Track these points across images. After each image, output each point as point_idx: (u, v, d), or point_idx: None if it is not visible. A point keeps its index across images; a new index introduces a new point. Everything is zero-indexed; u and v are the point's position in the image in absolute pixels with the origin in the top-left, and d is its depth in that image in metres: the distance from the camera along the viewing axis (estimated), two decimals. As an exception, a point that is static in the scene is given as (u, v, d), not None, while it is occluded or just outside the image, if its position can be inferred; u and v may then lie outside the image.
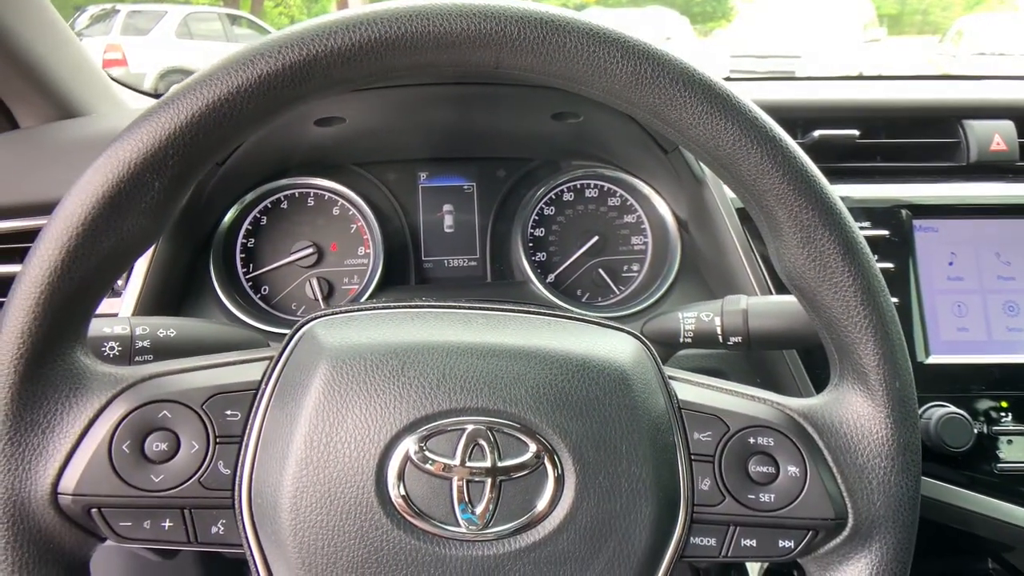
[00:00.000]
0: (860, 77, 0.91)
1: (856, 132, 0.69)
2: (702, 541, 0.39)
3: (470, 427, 0.36)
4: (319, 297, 0.74)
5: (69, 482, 0.36)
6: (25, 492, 0.35)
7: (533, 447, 0.36)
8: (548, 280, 0.77)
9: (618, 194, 0.79)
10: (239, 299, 0.71)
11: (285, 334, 0.66)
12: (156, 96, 0.93)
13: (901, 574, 0.38)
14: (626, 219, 0.79)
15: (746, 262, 0.64)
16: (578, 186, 0.79)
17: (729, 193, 0.66)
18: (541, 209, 0.78)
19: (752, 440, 0.39)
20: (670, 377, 0.41)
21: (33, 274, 0.35)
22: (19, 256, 0.63)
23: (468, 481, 0.36)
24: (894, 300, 0.39)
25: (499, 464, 0.36)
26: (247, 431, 0.38)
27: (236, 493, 0.37)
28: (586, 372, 0.38)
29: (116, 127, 0.74)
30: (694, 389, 0.41)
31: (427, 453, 0.36)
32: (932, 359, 0.65)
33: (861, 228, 0.39)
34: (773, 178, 0.36)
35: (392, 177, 0.78)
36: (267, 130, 0.61)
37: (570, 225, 0.78)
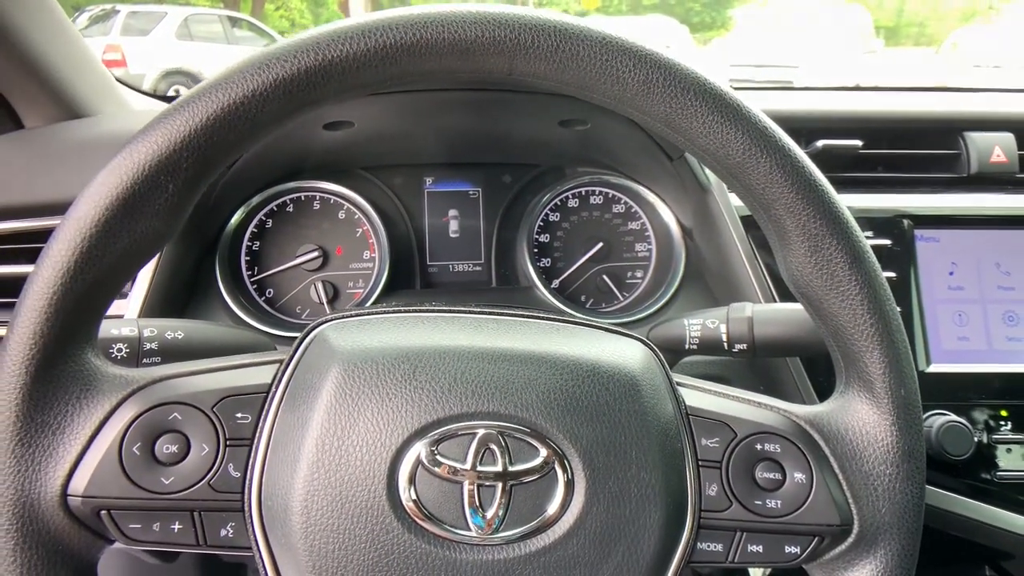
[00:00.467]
0: (858, 88, 0.92)
1: (859, 143, 0.70)
2: (709, 547, 0.39)
3: (481, 431, 0.36)
4: (324, 301, 0.74)
5: (79, 484, 0.36)
6: (35, 494, 0.35)
7: (544, 452, 0.36)
8: (552, 286, 0.77)
9: (622, 201, 0.79)
10: (244, 302, 0.71)
11: (290, 337, 0.68)
12: (160, 97, 0.93)
13: None
14: (630, 226, 0.79)
15: (750, 270, 0.65)
16: (583, 193, 0.79)
17: (734, 201, 0.67)
18: (546, 215, 0.79)
19: (759, 446, 0.39)
20: (678, 383, 0.41)
21: (45, 275, 0.35)
22: (26, 256, 0.63)
23: (479, 485, 0.36)
24: None
25: (510, 468, 0.36)
26: (258, 434, 0.38)
27: (246, 496, 0.37)
28: (596, 377, 0.38)
29: (122, 128, 0.75)
30: (702, 395, 0.41)
31: (438, 457, 0.36)
32: (933, 368, 0.65)
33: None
34: (782, 187, 0.36)
35: (398, 181, 0.79)
36: (267, 140, 0.62)
37: (575, 231, 0.79)
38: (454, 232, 0.79)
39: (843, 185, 0.69)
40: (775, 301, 0.63)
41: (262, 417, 0.38)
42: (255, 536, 0.37)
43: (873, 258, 0.38)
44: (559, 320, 0.43)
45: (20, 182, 0.65)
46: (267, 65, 0.34)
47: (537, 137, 0.74)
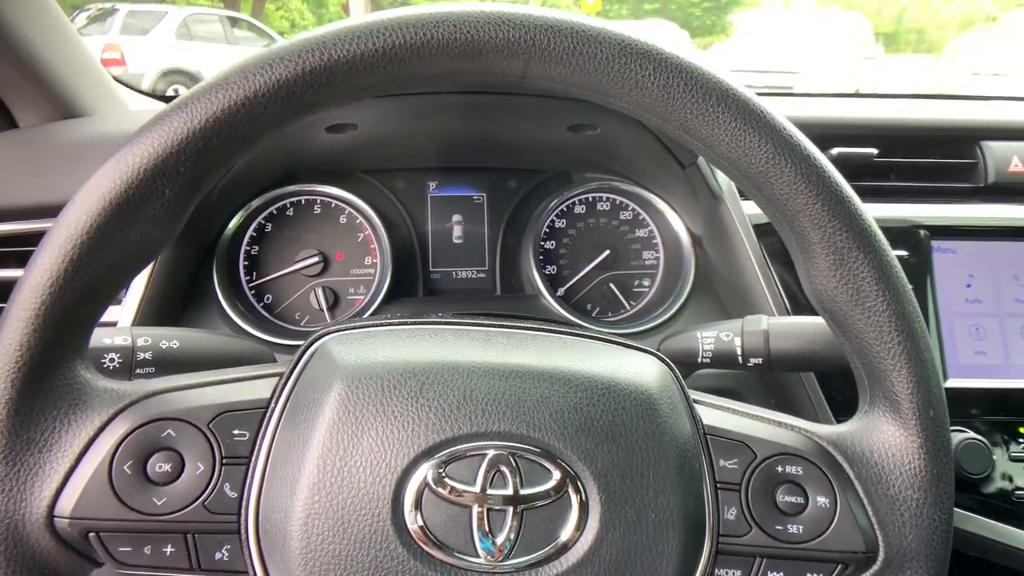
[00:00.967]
0: (859, 95, 0.90)
1: (874, 151, 0.68)
2: (728, 573, 0.37)
3: (491, 452, 0.34)
4: (324, 307, 0.73)
5: (66, 505, 0.34)
6: (20, 515, 0.33)
7: (557, 474, 0.35)
8: (558, 294, 0.75)
9: (630, 208, 0.78)
10: (242, 308, 0.69)
11: (290, 346, 0.66)
12: (159, 97, 0.91)
13: None
14: (638, 233, 0.78)
15: (763, 281, 0.63)
16: (590, 199, 0.78)
17: (747, 210, 0.65)
18: (552, 222, 0.77)
19: (780, 468, 0.38)
20: (695, 400, 0.39)
21: (33, 283, 0.33)
22: (17, 260, 0.61)
23: (488, 509, 0.34)
24: None
25: (521, 492, 0.34)
26: (255, 452, 0.36)
27: (243, 518, 0.35)
28: (611, 396, 0.37)
29: (118, 128, 0.73)
30: (719, 414, 0.39)
31: (446, 479, 0.34)
32: (950, 383, 0.64)
33: None
34: (806, 198, 0.35)
35: (401, 186, 0.77)
36: (274, 140, 0.60)
37: (581, 238, 0.77)
38: (458, 238, 0.78)
39: (858, 194, 0.67)
40: (788, 314, 0.62)
41: (260, 434, 0.36)
42: (251, 560, 0.35)
43: (901, 273, 0.36)
44: (571, 333, 0.41)
45: (12, 183, 0.64)
46: (269, 65, 0.32)
47: (544, 142, 0.73)
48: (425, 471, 0.34)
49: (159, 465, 0.35)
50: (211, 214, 0.68)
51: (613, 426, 0.36)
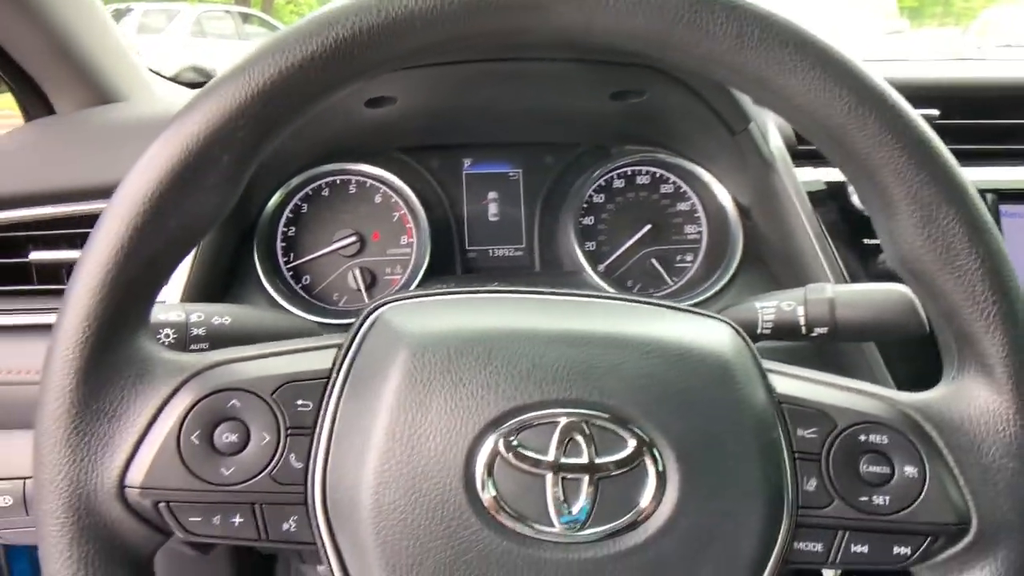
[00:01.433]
0: (895, 60, 0.86)
1: (936, 112, 0.65)
2: (808, 547, 0.36)
3: (564, 420, 0.33)
4: (361, 287, 0.72)
5: (137, 475, 0.34)
6: (91, 485, 0.33)
7: (632, 443, 0.33)
8: (599, 270, 0.74)
9: (671, 181, 0.76)
10: (283, 288, 0.69)
11: (331, 325, 0.65)
12: (188, 85, 0.91)
13: None
14: (679, 207, 0.76)
15: (820, 251, 0.61)
16: (629, 172, 0.76)
17: (801, 177, 0.63)
18: (590, 197, 0.76)
19: (863, 438, 0.36)
20: (767, 370, 0.38)
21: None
22: (66, 242, 0.61)
23: (563, 478, 0.33)
24: None
25: (597, 460, 0.33)
26: (320, 422, 0.35)
27: (309, 488, 0.35)
28: (686, 362, 0.35)
29: (156, 112, 0.73)
30: (795, 382, 0.38)
31: (518, 448, 0.33)
32: None
33: None
34: (891, 150, 0.33)
35: (436, 164, 0.76)
36: (315, 112, 0.59)
37: (620, 213, 0.75)
38: (494, 215, 0.77)
39: None
40: (847, 282, 0.60)
41: (324, 404, 0.35)
42: (319, 531, 0.35)
43: (995, 229, 0.34)
44: (639, 301, 0.40)
45: (54, 167, 0.64)
46: (327, 26, 0.31)
47: (585, 112, 0.71)
48: (496, 439, 0.33)
49: (225, 435, 0.35)
50: (250, 194, 0.68)
51: (689, 393, 0.35)
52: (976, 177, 0.64)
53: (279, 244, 0.72)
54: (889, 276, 0.49)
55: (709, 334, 0.37)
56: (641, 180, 0.76)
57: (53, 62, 0.70)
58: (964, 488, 0.35)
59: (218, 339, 0.47)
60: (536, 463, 0.33)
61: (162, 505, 0.34)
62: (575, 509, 0.33)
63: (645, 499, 0.33)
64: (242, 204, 0.67)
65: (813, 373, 0.39)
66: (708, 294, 0.69)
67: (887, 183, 0.34)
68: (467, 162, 0.77)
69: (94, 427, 0.33)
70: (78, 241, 0.60)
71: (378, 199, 0.74)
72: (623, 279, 0.75)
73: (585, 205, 0.75)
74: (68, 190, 0.61)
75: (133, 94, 0.77)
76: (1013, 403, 0.35)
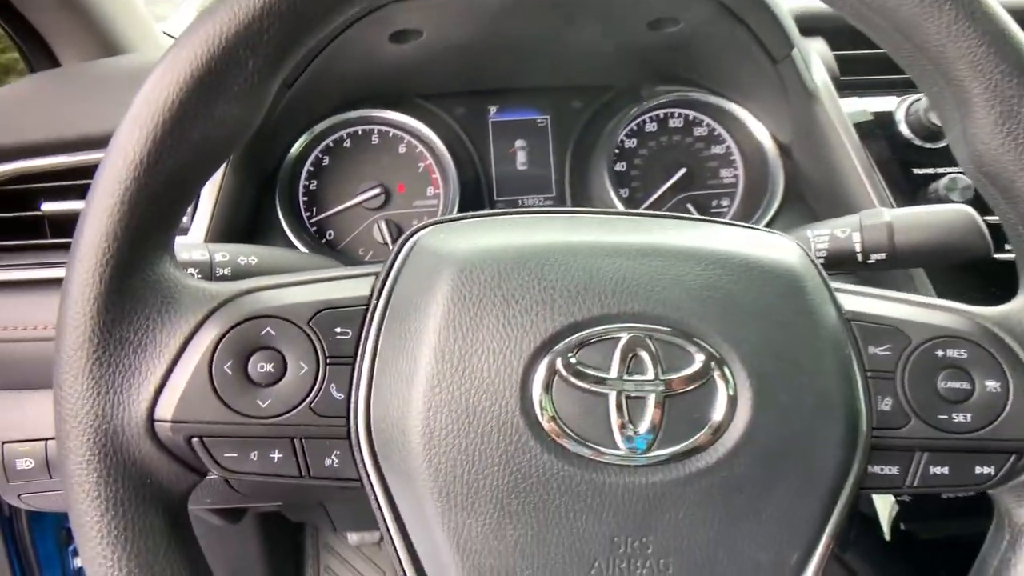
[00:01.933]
0: None
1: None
2: (883, 470, 0.33)
3: (626, 335, 0.31)
4: (388, 241, 0.70)
5: (167, 408, 0.31)
6: (118, 419, 0.31)
7: (700, 357, 0.31)
8: None
9: (705, 123, 0.72)
10: (309, 243, 0.67)
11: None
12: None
13: None
14: (714, 150, 0.72)
15: (868, 184, 0.57)
16: (661, 116, 0.72)
17: (847, 108, 0.59)
18: (622, 142, 0.72)
19: (940, 353, 0.33)
20: (835, 287, 0.35)
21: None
22: (76, 193, 0.59)
23: (627, 397, 0.30)
24: None
25: (663, 376, 0.30)
26: (360, 351, 0.33)
27: (352, 420, 0.32)
28: (753, 273, 0.32)
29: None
30: (863, 300, 0.35)
31: (578, 366, 0.30)
32: None
33: None
34: (968, 41, 0.30)
35: (460, 111, 0.73)
36: (337, 49, 0.55)
37: (653, 158, 0.72)
38: (522, 164, 0.73)
39: None
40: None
41: (364, 332, 0.33)
42: (363, 464, 0.32)
43: None
44: (695, 218, 0.37)
45: (60, 117, 0.61)
46: None
47: (618, 47, 0.67)
48: (554, 357, 0.31)
49: (260, 365, 0.32)
50: (271, 140, 0.65)
51: (758, 305, 0.32)
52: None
53: (301, 199, 0.70)
54: None
55: (774, 247, 0.34)
56: (674, 123, 0.72)
57: (59, 12, 0.68)
58: None
59: (244, 279, 0.45)
60: (598, 381, 0.30)
61: (195, 440, 0.32)
62: (641, 429, 0.30)
63: (715, 418, 0.30)
64: (262, 149, 0.65)
65: (881, 291, 0.36)
66: None
67: (962, 77, 0.31)
68: (493, 109, 0.73)
69: (119, 357, 0.31)
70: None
71: (402, 149, 0.71)
72: (657, 227, 0.72)
73: (617, 151, 0.72)
74: (77, 139, 0.58)
75: (141, 45, 0.74)
76: None
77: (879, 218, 0.47)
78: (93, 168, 0.60)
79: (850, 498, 0.32)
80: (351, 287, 0.34)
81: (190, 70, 0.30)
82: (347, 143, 0.71)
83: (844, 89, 0.63)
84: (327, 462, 0.33)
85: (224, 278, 0.45)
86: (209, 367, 0.32)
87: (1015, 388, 0.33)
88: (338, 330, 0.33)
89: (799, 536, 0.31)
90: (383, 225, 0.69)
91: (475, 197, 0.72)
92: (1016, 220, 0.34)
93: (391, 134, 0.71)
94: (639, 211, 0.38)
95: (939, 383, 0.33)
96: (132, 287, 0.31)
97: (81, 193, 0.60)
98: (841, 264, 0.48)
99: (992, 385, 0.33)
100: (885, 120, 0.61)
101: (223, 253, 0.45)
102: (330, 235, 0.70)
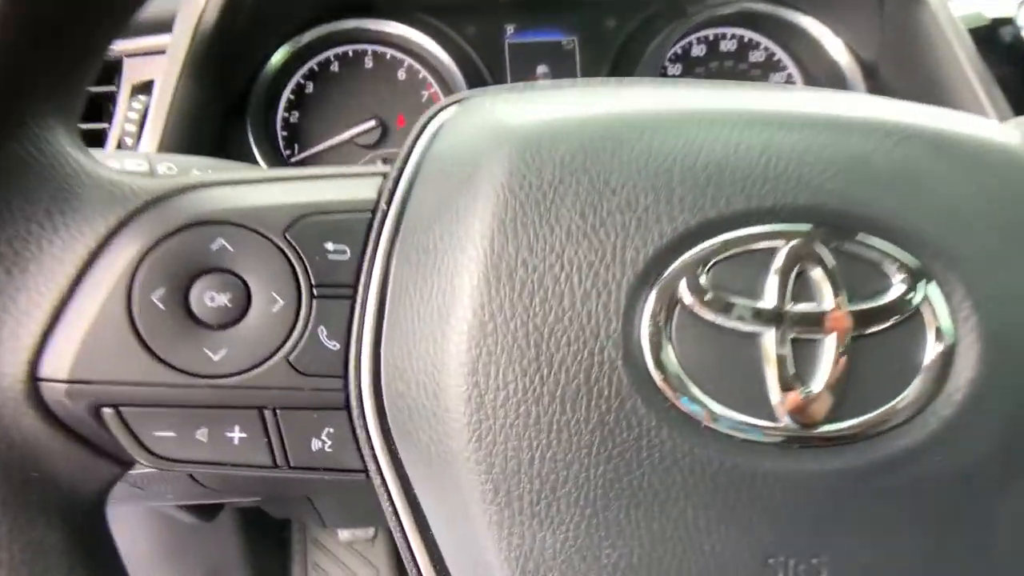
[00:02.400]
0: None
1: None
2: None
3: (787, 243, 0.20)
4: None
5: (59, 362, 0.20)
6: None
7: (902, 278, 0.20)
8: None
9: (762, 47, 0.61)
10: None
11: None
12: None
13: None
14: (772, 79, 0.61)
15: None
16: (711, 37, 0.61)
17: (957, 12, 0.49)
18: (664, 68, 0.61)
19: None
20: None
21: None
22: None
23: (791, 340, 0.19)
24: None
25: (848, 308, 0.19)
26: (365, 277, 0.22)
27: (353, 381, 0.21)
28: (969, 158, 0.21)
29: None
30: None
31: (713, 291, 0.19)
32: None
33: None
34: None
35: (472, 31, 0.61)
36: None
37: None
38: None
39: None
40: None
41: (371, 249, 0.22)
42: (372, 448, 0.21)
43: None
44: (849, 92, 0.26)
45: None
46: None
47: None
48: (673, 278, 0.19)
49: (209, 297, 0.21)
50: (239, 45, 0.52)
51: (987, 204, 0.21)
52: None
53: (280, 134, 0.58)
54: None
55: (987, 129, 0.23)
56: (726, 46, 0.61)
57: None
58: None
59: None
60: (744, 316, 0.19)
61: (107, 412, 0.21)
62: (813, 389, 0.19)
63: (925, 373, 0.20)
64: (231, 57, 0.52)
65: None
66: None
67: None
68: (510, 28, 0.62)
69: None
70: None
71: (402, 75, 0.59)
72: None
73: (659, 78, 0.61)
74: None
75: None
76: None
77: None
78: None
79: None
80: (349, 188, 0.23)
81: None
82: (335, 67, 0.59)
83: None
84: (314, 445, 0.22)
85: None
86: (127, 298, 0.21)
87: None
88: (330, 246, 0.22)
89: None
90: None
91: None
92: None
93: (388, 56, 0.59)
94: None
95: None
96: None
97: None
98: None
99: None
100: (1004, 26, 0.50)
101: (169, 165, 0.34)
102: (316, 177, 0.59)
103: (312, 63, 0.58)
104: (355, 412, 0.21)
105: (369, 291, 0.21)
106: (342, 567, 1.17)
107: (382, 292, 0.21)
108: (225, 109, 0.54)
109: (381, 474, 0.21)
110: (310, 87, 0.59)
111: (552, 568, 0.19)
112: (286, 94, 0.58)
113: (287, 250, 0.22)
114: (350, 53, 0.59)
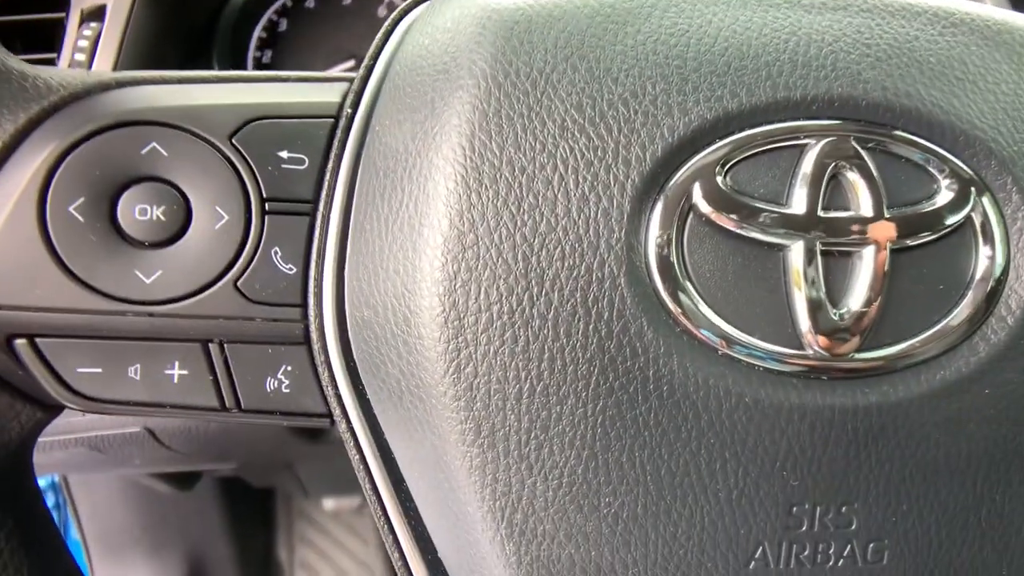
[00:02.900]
0: None
1: None
2: None
3: (819, 141, 0.17)
4: None
5: None
6: None
7: (947, 184, 0.17)
8: None
9: None
10: None
11: None
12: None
13: None
14: None
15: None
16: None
17: None
18: None
19: None
20: None
21: None
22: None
23: (824, 252, 0.17)
24: None
25: (888, 215, 0.17)
26: (327, 189, 0.18)
27: (313, 309, 0.18)
28: (1022, 49, 0.18)
29: None
30: None
31: (732, 195, 0.17)
32: None
33: None
34: None
35: None
36: None
37: None
38: None
39: None
40: None
41: (332, 157, 0.19)
42: (335, 386, 0.18)
43: None
44: None
45: None
46: None
47: None
48: (685, 182, 0.17)
49: (141, 209, 0.18)
50: None
51: None
52: None
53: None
54: None
55: None
56: None
57: None
58: None
59: None
60: (769, 224, 0.16)
61: (20, 343, 0.18)
62: (849, 308, 0.16)
63: (977, 289, 0.17)
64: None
65: None
66: None
67: None
68: None
69: None
70: None
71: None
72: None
73: None
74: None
75: None
76: None
77: None
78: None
79: None
80: (308, 91, 0.20)
81: None
82: (311, 2, 0.55)
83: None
84: (269, 384, 0.19)
85: None
86: (40, 209, 0.17)
87: None
88: (285, 155, 0.19)
89: None
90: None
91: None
92: None
93: (369, -9, 0.55)
94: None
95: None
96: None
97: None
98: None
99: None
100: None
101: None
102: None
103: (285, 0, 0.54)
104: (315, 345, 0.18)
105: (332, 206, 0.18)
106: (330, 539, 1.15)
107: (346, 206, 0.18)
108: (188, 46, 0.50)
109: (346, 417, 0.19)
110: (283, 24, 0.55)
111: (543, 520, 0.17)
112: (257, 32, 0.54)
113: (233, 157, 0.18)
114: (326, -12, 0.55)
